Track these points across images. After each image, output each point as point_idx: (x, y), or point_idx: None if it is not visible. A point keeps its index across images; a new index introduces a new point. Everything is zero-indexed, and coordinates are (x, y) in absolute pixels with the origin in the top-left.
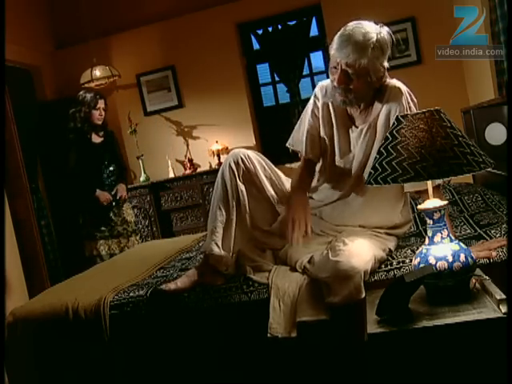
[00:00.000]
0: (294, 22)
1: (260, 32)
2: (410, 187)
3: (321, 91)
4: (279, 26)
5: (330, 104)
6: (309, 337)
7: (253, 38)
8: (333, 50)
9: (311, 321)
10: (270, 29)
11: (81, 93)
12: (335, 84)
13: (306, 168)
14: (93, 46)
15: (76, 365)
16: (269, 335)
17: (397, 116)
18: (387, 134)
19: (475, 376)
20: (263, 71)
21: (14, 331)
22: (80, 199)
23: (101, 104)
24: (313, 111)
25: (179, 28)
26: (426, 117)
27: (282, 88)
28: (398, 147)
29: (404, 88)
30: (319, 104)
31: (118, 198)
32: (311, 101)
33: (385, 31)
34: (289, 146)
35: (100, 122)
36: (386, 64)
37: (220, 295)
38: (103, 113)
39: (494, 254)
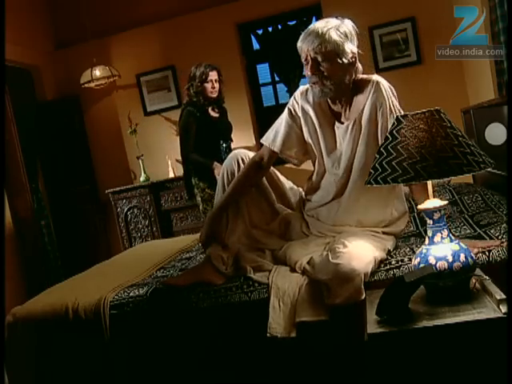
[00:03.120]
0: (294, 22)
1: (260, 32)
2: None
3: (301, 94)
4: (279, 26)
5: (309, 106)
6: (308, 337)
7: (253, 38)
8: (299, 43)
9: (311, 321)
10: (270, 29)
11: (192, 68)
12: (309, 74)
13: (254, 164)
14: (93, 45)
15: (76, 365)
16: (268, 335)
17: (397, 116)
18: (387, 134)
19: (475, 376)
20: (263, 71)
21: (14, 331)
22: (201, 173)
23: (212, 76)
24: (290, 113)
25: (179, 28)
26: (426, 117)
27: (282, 88)
28: (398, 147)
29: (385, 82)
30: (298, 107)
31: None
32: (290, 103)
33: (345, 21)
34: (262, 141)
35: (214, 96)
36: (354, 49)
37: (220, 295)
38: (216, 85)
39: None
